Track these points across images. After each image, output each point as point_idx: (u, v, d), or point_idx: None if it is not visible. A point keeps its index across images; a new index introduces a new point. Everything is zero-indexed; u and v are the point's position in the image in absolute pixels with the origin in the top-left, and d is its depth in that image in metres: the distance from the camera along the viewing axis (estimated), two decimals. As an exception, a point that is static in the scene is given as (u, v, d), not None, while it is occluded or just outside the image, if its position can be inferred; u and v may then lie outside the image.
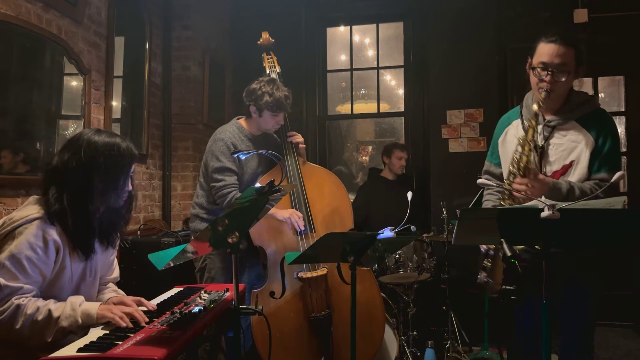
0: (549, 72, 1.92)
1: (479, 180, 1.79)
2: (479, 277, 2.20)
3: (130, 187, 1.77)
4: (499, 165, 2.22)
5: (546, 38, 1.96)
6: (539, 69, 1.95)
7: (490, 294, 2.21)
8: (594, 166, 1.95)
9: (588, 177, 1.96)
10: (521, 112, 2.13)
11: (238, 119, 2.85)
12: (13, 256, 1.50)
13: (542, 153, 2.01)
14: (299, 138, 2.86)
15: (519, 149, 1.96)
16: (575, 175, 1.95)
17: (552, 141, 1.99)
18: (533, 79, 2.00)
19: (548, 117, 2.01)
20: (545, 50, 1.95)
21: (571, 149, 1.96)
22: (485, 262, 2.14)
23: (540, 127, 2.01)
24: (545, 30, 2.00)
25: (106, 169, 1.65)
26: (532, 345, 2.11)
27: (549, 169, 1.99)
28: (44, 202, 1.62)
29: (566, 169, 1.97)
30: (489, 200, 2.23)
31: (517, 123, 2.14)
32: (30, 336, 1.50)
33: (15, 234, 1.54)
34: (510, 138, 2.14)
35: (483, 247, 2.13)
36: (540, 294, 1.59)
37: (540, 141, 2.00)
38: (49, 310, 1.51)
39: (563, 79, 1.93)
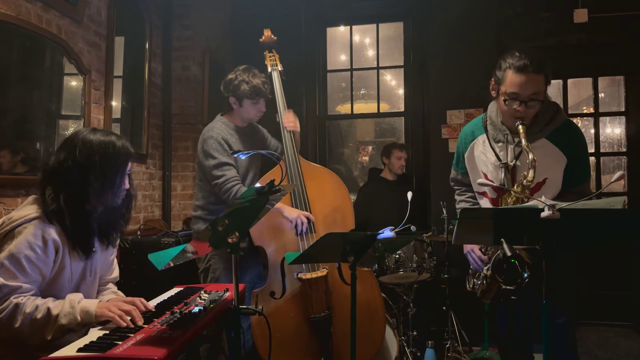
0: (522, 103, 1.88)
1: (479, 180, 1.78)
2: (468, 285, 2.23)
3: (127, 186, 1.77)
4: (466, 174, 2.23)
5: (514, 64, 1.88)
6: (510, 100, 1.90)
7: (482, 300, 2.23)
8: (569, 181, 1.99)
9: (562, 191, 1.98)
10: (486, 127, 2.11)
11: (221, 115, 2.85)
12: (12, 255, 1.51)
13: (513, 171, 2.01)
14: (290, 122, 2.78)
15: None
16: (549, 192, 1.96)
17: (523, 160, 1.97)
18: (502, 104, 1.95)
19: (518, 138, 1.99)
20: (515, 81, 1.87)
21: (544, 167, 1.94)
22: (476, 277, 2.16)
23: (511, 147, 2.01)
24: (510, 52, 1.91)
25: (102, 168, 1.65)
26: (521, 344, 2.15)
27: None
28: (41, 201, 1.63)
29: (540, 186, 1.98)
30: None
31: (482, 139, 2.13)
32: (30, 334, 1.50)
33: (14, 234, 1.54)
34: (478, 154, 2.14)
35: (474, 264, 2.15)
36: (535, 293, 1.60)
37: (510, 160, 2.00)
38: (48, 308, 1.51)
39: (536, 107, 1.90)
